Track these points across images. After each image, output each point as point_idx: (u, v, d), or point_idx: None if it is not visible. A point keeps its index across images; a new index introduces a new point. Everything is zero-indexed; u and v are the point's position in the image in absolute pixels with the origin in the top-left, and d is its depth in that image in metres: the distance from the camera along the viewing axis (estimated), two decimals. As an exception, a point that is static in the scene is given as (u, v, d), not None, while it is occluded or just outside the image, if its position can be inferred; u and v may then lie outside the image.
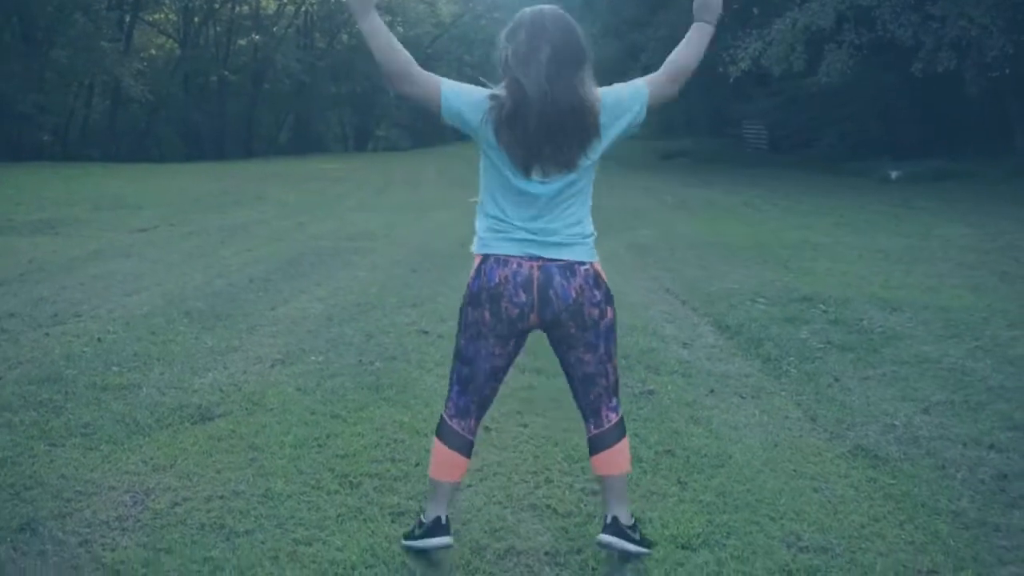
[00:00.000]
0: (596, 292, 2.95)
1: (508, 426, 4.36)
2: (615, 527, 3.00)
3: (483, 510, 3.48)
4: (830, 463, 4.02)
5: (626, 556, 3.00)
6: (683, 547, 3.19)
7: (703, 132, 33.80)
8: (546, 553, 3.15)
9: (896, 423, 4.51)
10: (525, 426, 4.39)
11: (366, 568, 3.00)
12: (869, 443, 4.25)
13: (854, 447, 4.21)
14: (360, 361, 5.51)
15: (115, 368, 5.26)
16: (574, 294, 2.90)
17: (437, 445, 3.09)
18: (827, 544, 3.23)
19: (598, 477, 3.15)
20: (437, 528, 3.03)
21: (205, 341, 5.96)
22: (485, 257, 2.92)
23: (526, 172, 2.84)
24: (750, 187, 19.76)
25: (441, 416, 3.11)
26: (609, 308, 3.00)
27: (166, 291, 7.67)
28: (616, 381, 3.12)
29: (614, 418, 3.09)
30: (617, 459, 3.08)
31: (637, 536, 3.04)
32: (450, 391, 3.10)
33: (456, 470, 3.09)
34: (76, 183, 19.54)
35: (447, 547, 3.04)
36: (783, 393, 5.07)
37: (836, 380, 5.29)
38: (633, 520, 3.10)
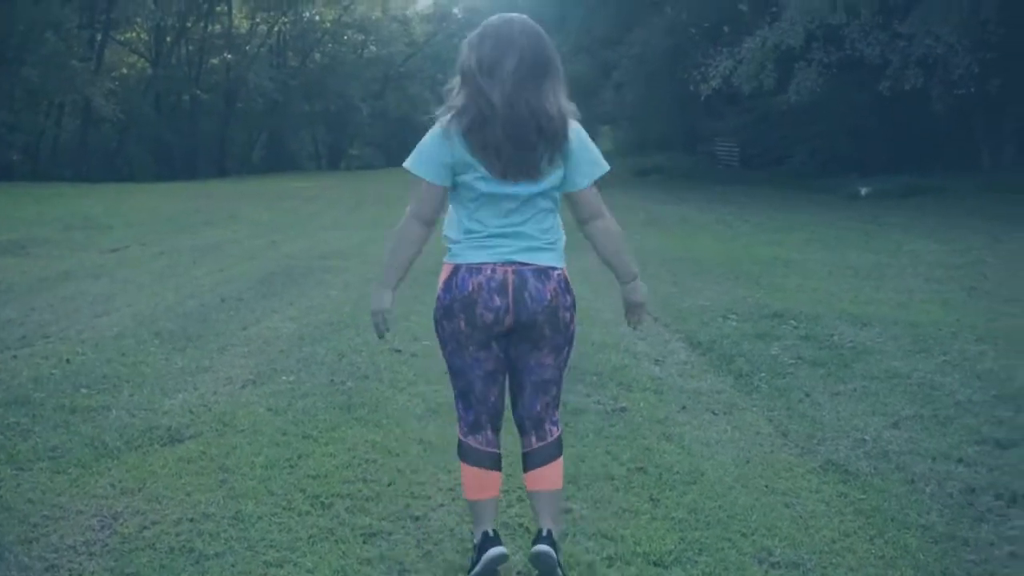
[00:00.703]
0: (567, 296, 3.00)
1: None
2: (550, 539, 2.98)
3: (455, 530, 3.47)
4: (801, 478, 4.04)
5: (553, 567, 2.94)
6: (655, 564, 3.20)
7: (676, 149, 34.05)
8: (518, 573, 3.14)
9: (866, 438, 4.55)
10: (498, 445, 4.38)
11: (337, 590, 2.98)
12: (840, 458, 4.27)
13: (825, 462, 4.23)
14: (332, 381, 5.49)
15: (84, 390, 5.21)
16: (549, 296, 2.94)
17: (463, 468, 3.10)
18: (798, 559, 3.25)
19: (533, 492, 3.11)
20: (487, 542, 2.97)
21: (176, 362, 5.92)
22: (457, 267, 2.94)
23: (503, 176, 2.85)
24: (722, 204, 19.90)
25: (458, 439, 3.11)
26: (575, 315, 3.04)
27: (137, 312, 7.61)
28: (560, 394, 3.16)
29: (556, 432, 3.11)
30: (555, 474, 3.09)
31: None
32: (458, 410, 3.11)
33: (489, 486, 3.08)
34: (46, 203, 19.38)
35: (504, 556, 2.97)
36: (755, 409, 5.09)
37: (807, 395, 5.32)
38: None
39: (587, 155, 2.98)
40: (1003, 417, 4.84)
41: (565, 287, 2.99)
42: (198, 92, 42.34)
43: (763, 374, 5.77)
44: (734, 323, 7.28)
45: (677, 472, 4.07)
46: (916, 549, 3.34)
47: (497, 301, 2.90)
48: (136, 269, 10.25)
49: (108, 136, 39.09)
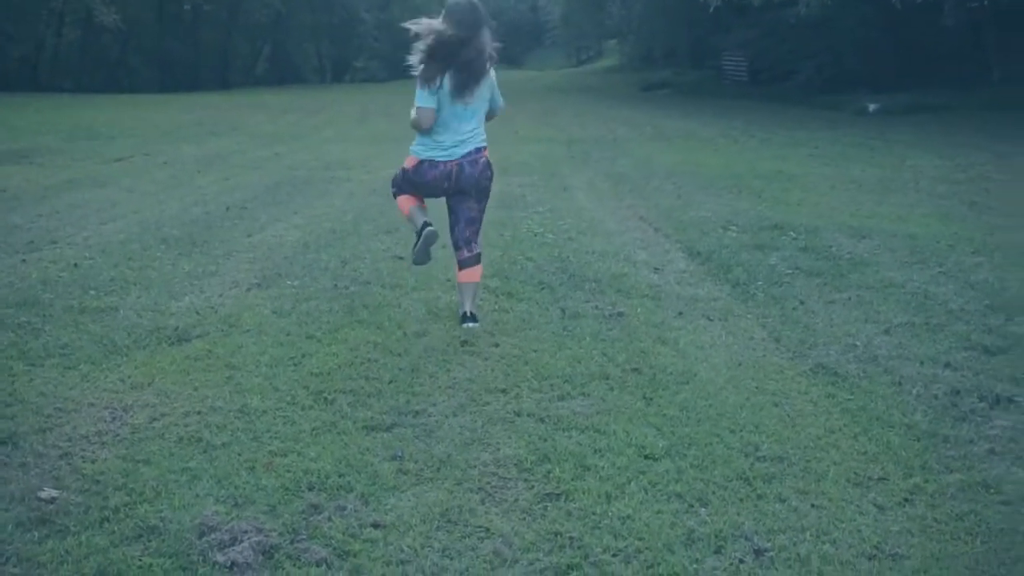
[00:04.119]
0: (488, 171, 4.79)
1: (481, 346, 4.46)
2: (474, 317, 4.79)
3: (454, 422, 3.58)
4: (791, 380, 4.15)
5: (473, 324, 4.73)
6: (646, 457, 3.32)
7: (684, 64, 33.63)
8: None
9: (857, 343, 4.65)
10: (496, 346, 4.49)
11: (339, 476, 3.10)
12: (830, 362, 4.38)
13: (815, 366, 4.34)
14: (335, 285, 5.58)
15: (92, 292, 5.31)
16: (476, 173, 4.72)
17: (400, 199, 4.92)
18: (783, 454, 3.37)
19: (460, 284, 4.85)
20: (425, 225, 4.75)
21: (182, 266, 6.01)
22: (421, 161, 4.72)
23: (461, 97, 4.59)
24: (729, 119, 19.76)
25: (393, 192, 4.97)
26: (492, 177, 4.83)
27: (142, 219, 7.69)
28: (480, 228, 4.91)
29: (476, 249, 4.86)
30: (475, 274, 4.85)
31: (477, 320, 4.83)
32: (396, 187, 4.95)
33: (418, 201, 4.89)
34: (48, 113, 19.30)
35: (435, 232, 4.72)
36: (749, 316, 5.19)
37: (802, 303, 5.41)
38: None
39: (491, 85, 4.75)
40: (993, 325, 4.93)
41: (486, 164, 4.76)
42: (200, 2, 41.62)
43: (760, 283, 5.85)
44: (734, 234, 7.34)
45: (671, 373, 4.18)
46: (898, 446, 3.46)
47: (445, 184, 4.73)
48: (141, 178, 10.29)
49: (109, 47, 38.51)
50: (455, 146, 4.65)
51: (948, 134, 16.00)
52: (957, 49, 22.61)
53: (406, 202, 4.85)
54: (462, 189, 4.71)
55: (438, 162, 4.65)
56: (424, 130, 4.63)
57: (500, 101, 4.86)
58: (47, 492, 2.95)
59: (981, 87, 21.14)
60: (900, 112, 19.78)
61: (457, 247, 4.82)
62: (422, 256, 4.75)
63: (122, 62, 38.42)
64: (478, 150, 4.69)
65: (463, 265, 4.80)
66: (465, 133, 4.65)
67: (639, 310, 5.18)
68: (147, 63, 39.71)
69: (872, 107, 20.72)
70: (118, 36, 36.75)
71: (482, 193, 4.79)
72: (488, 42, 4.59)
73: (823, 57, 24.29)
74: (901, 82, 22.40)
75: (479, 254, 4.87)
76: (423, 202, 4.87)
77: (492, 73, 4.70)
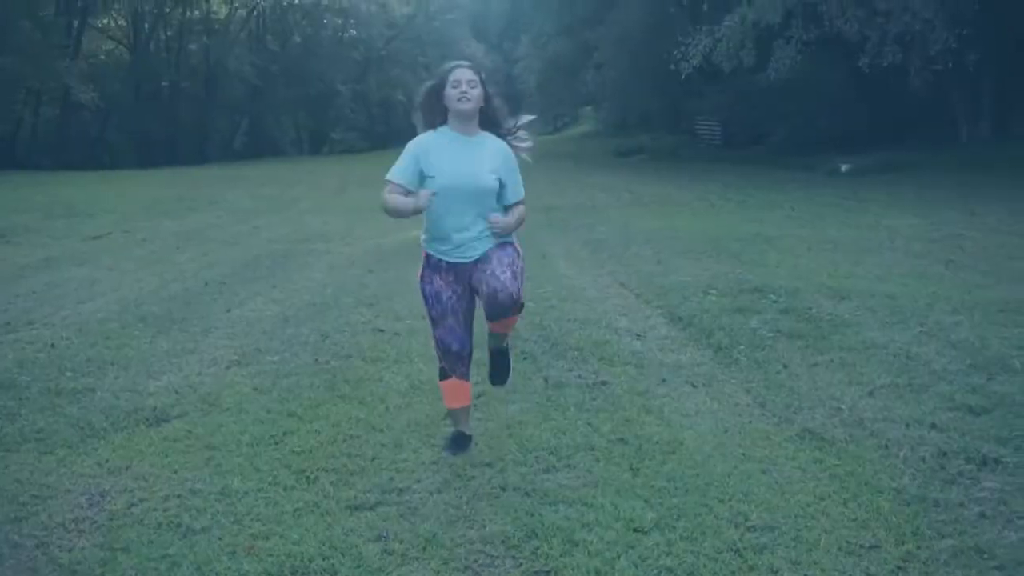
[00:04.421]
0: None
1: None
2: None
3: (436, 496, 3.53)
4: (778, 446, 4.12)
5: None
6: (635, 530, 3.27)
7: (659, 129, 34.04)
8: (502, 541, 3.21)
9: (842, 406, 4.63)
10: (479, 418, 4.45)
11: (323, 559, 3.04)
12: (816, 426, 4.36)
13: (801, 430, 4.31)
14: (316, 360, 5.53)
15: (69, 373, 5.24)
16: None
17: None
18: (774, 523, 3.33)
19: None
20: None
21: (160, 345, 5.95)
22: None
23: None
24: (705, 182, 19.98)
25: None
26: None
27: (121, 297, 7.63)
28: None
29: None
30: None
31: None
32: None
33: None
34: (26, 191, 19.28)
35: None
36: (733, 381, 5.17)
37: (785, 367, 5.40)
38: None
39: None
40: (976, 384, 4.93)
41: None
42: (178, 78, 42.00)
43: (742, 347, 5.84)
44: (714, 298, 7.36)
45: (656, 442, 4.14)
46: (888, 511, 3.42)
47: None
48: (119, 255, 10.25)
49: (87, 124, 38.70)
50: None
51: (920, 193, 16.22)
52: (925, 110, 23.07)
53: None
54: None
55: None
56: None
57: None
58: (22, 585, 2.87)
59: (950, 146, 21.51)
60: (872, 171, 20.06)
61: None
62: None
63: (100, 139, 38.56)
64: None
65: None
66: None
67: (622, 378, 5.16)
68: (125, 139, 39.87)
69: (844, 167, 21.02)
70: (96, 113, 36.97)
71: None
72: None
73: (794, 119, 24.72)
74: (872, 142, 22.78)
75: None
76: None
77: None
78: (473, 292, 3.92)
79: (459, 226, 3.82)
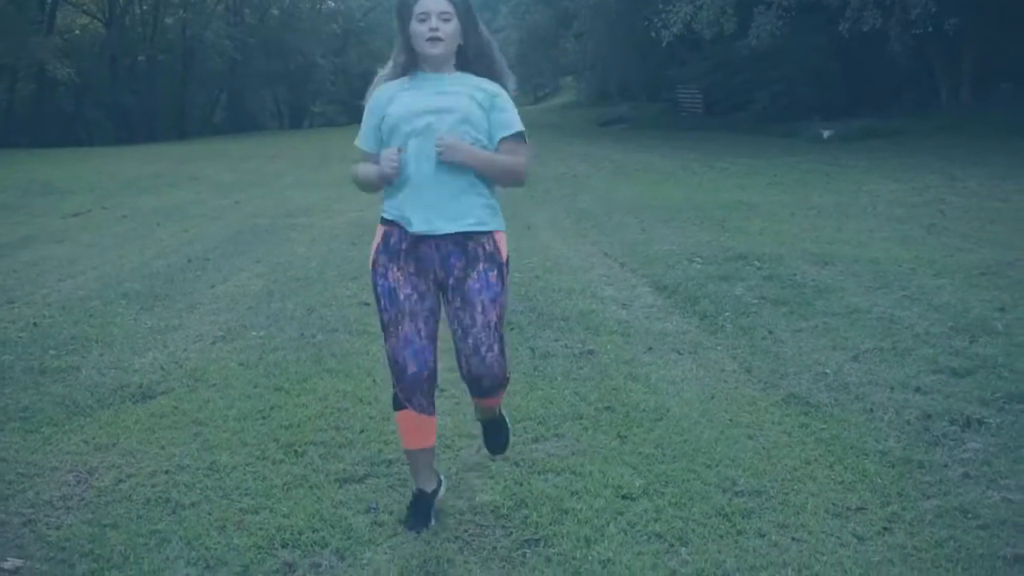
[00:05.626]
0: None
1: (452, 391, 4.41)
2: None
3: (428, 472, 3.53)
4: (764, 412, 4.15)
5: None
6: (624, 497, 3.28)
7: (640, 98, 33.97)
8: (492, 510, 3.22)
9: (827, 371, 4.66)
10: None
11: (313, 532, 3.04)
12: (801, 391, 4.38)
13: (787, 395, 4.34)
14: (302, 334, 5.52)
15: (52, 352, 5.21)
16: None
17: None
18: (761, 487, 3.35)
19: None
20: None
21: (144, 321, 5.92)
22: None
23: None
24: (687, 151, 19.97)
25: None
26: None
27: (102, 274, 7.58)
28: None
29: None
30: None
31: None
32: None
33: None
34: (3, 170, 19.07)
35: None
36: (719, 347, 5.20)
37: (770, 333, 5.42)
38: None
39: None
40: (959, 347, 4.97)
41: None
42: (154, 53, 41.54)
43: (727, 314, 5.86)
44: (699, 266, 7.37)
45: (644, 410, 4.16)
46: (874, 473, 3.45)
47: None
48: (99, 232, 10.17)
49: (64, 100, 38.30)
50: None
51: (901, 158, 16.27)
52: (906, 75, 23.10)
53: None
54: None
55: None
56: None
57: None
58: (10, 562, 2.86)
59: (930, 111, 21.57)
60: (854, 138, 20.11)
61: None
62: None
63: (78, 116, 38.18)
64: None
65: None
66: None
67: (609, 347, 5.17)
68: (103, 116, 39.49)
69: (826, 134, 21.07)
70: (72, 90, 36.56)
71: None
72: None
73: (776, 86, 24.72)
74: (853, 108, 22.82)
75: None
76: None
77: None
78: (440, 296, 3.07)
79: (425, 173, 2.96)
